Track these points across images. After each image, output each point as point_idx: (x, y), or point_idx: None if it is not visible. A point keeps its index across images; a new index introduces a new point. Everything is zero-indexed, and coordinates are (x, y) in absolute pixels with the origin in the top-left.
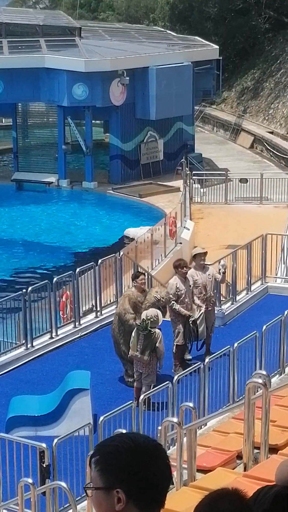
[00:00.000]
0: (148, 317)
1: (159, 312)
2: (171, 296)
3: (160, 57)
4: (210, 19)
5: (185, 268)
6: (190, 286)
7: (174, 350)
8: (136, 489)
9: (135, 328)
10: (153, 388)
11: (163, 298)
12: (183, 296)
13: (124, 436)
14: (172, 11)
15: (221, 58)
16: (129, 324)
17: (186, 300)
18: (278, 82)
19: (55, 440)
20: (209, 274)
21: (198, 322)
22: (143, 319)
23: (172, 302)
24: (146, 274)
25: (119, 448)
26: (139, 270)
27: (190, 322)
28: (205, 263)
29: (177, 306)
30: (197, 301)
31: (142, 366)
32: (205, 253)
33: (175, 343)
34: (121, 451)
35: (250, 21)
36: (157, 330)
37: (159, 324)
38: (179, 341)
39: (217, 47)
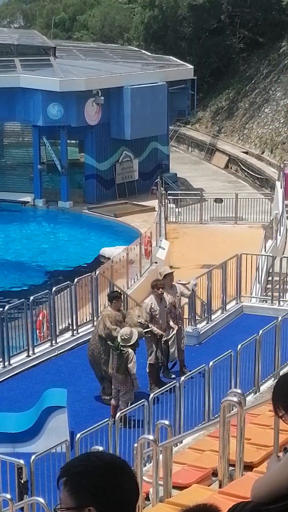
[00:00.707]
0: (121, 336)
1: (133, 330)
2: (146, 314)
3: (135, 77)
4: (185, 39)
5: (161, 289)
6: (165, 307)
7: (147, 369)
8: (107, 506)
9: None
10: (130, 405)
11: (146, 321)
12: (157, 316)
13: (90, 455)
14: (147, 31)
15: (195, 78)
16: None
17: (160, 321)
18: (253, 102)
19: (33, 457)
20: (177, 293)
21: (169, 343)
22: (116, 337)
23: (147, 323)
24: (122, 294)
25: (87, 467)
26: (116, 290)
27: (162, 342)
28: (176, 282)
29: (150, 325)
30: (171, 323)
31: (120, 384)
32: (172, 273)
33: (148, 362)
34: (91, 470)
35: (225, 41)
36: (129, 350)
37: (133, 341)
38: (151, 359)
39: (192, 67)
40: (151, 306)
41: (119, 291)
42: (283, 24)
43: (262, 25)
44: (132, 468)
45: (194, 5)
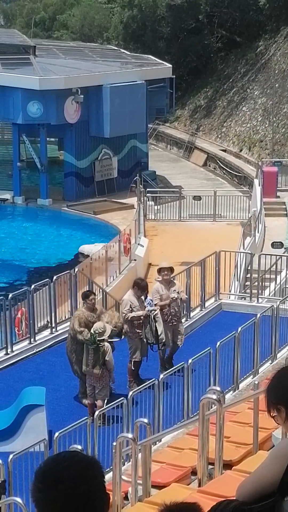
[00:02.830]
0: (95, 330)
1: (107, 325)
2: (125, 312)
3: (114, 76)
4: (163, 38)
5: (139, 291)
6: (143, 302)
7: (131, 367)
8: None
9: (85, 343)
10: (107, 401)
11: (117, 324)
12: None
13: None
14: (126, 30)
15: (174, 76)
16: (84, 343)
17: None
18: (231, 101)
19: (11, 456)
20: (174, 290)
21: (156, 324)
22: (90, 333)
23: (128, 315)
24: (98, 292)
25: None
26: (89, 290)
27: (152, 317)
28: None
29: (131, 314)
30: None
31: (96, 380)
32: (170, 268)
33: (132, 359)
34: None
35: (203, 40)
36: (106, 344)
37: (108, 335)
38: (137, 357)
39: (170, 65)
40: (130, 303)
41: (92, 290)
42: (260, 24)
43: (240, 25)
44: (107, 469)
45: (173, 5)
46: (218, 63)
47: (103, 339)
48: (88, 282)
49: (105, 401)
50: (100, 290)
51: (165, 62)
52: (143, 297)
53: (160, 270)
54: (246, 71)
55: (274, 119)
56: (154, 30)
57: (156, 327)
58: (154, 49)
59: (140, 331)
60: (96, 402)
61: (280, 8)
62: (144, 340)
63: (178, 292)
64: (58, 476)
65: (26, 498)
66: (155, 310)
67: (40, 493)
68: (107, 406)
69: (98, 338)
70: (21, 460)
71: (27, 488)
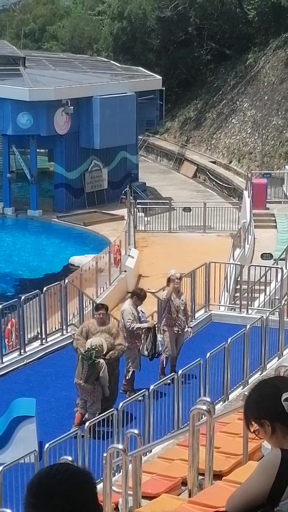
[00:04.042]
0: (93, 347)
1: (104, 341)
2: (130, 319)
3: (104, 87)
4: (153, 50)
5: (139, 301)
6: (139, 313)
7: (128, 376)
8: None
9: (80, 357)
10: (97, 415)
11: (103, 349)
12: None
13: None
14: (115, 42)
15: (164, 88)
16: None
17: (175, 314)
18: (220, 113)
19: (1, 468)
20: (182, 300)
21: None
22: (88, 348)
23: (132, 326)
24: (89, 303)
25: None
26: (102, 303)
27: (152, 331)
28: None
29: (137, 325)
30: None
31: (87, 395)
32: (180, 278)
33: (131, 369)
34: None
35: (192, 53)
36: (101, 360)
37: (104, 352)
38: (136, 367)
39: (160, 77)
40: (131, 312)
41: (104, 304)
42: (249, 37)
43: (229, 37)
44: (98, 480)
45: (162, 17)
46: (208, 75)
47: (99, 356)
48: (78, 293)
49: (95, 415)
50: (90, 301)
51: (155, 74)
52: (139, 308)
53: (169, 279)
54: (235, 83)
55: (263, 131)
56: (144, 42)
57: (153, 338)
58: (144, 61)
59: (138, 342)
60: (86, 416)
61: (269, 21)
62: (146, 352)
63: (184, 302)
64: (52, 491)
65: (16, 510)
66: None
67: (34, 508)
68: (97, 417)
69: (95, 355)
70: (11, 472)
71: (17, 500)
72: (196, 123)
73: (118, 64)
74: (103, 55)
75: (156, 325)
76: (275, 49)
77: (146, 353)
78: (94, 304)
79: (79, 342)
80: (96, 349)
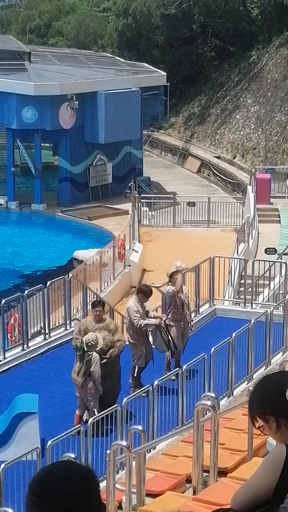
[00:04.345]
0: (86, 341)
1: (99, 336)
2: (136, 316)
3: (109, 82)
4: (158, 47)
5: (144, 298)
6: (145, 309)
7: (133, 373)
8: None
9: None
10: (98, 412)
11: (105, 345)
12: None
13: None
14: (120, 38)
15: (168, 84)
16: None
17: (181, 310)
18: (224, 109)
19: (2, 465)
20: (185, 294)
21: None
22: (82, 340)
23: (140, 323)
24: (92, 297)
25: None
26: (99, 300)
27: (163, 327)
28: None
29: (144, 322)
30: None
31: (81, 391)
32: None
33: (137, 366)
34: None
35: (197, 49)
36: (94, 354)
37: (100, 347)
38: (142, 363)
39: (165, 73)
40: (136, 308)
41: (101, 301)
42: (252, 34)
43: (233, 35)
44: (101, 478)
45: (167, 14)
46: (212, 72)
47: (92, 350)
48: (82, 288)
49: (95, 411)
50: (94, 295)
51: (159, 70)
52: (145, 304)
53: (172, 275)
54: (239, 80)
55: (266, 127)
56: (148, 38)
57: (165, 334)
58: (149, 57)
59: (144, 338)
60: (84, 417)
61: (272, 19)
62: (165, 348)
63: (187, 296)
64: (53, 489)
65: (17, 508)
66: (162, 318)
67: (35, 506)
68: (101, 413)
69: (87, 349)
70: (13, 469)
71: (19, 498)
72: (200, 118)
73: (123, 60)
74: (108, 51)
75: (164, 321)
76: (278, 46)
77: (165, 348)
78: (91, 302)
79: (77, 341)
80: (89, 343)
